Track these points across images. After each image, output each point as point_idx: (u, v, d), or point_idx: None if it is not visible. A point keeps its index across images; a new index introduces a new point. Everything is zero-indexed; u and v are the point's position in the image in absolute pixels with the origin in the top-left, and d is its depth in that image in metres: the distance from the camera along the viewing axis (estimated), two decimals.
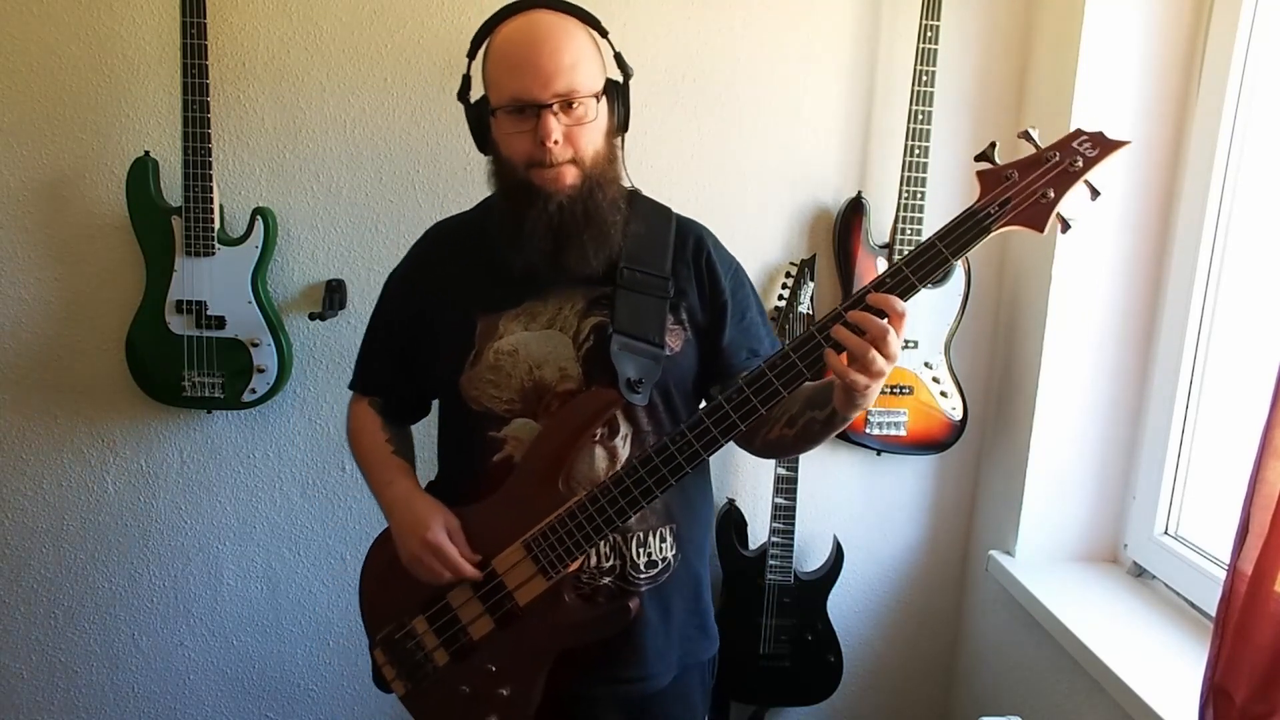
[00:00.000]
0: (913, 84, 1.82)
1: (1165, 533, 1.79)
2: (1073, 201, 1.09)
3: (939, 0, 1.80)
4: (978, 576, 2.11)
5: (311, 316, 1.93)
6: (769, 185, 1.99)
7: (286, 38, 1.90)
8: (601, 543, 1.27)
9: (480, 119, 1.31)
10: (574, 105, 1.23)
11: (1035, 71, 1.94)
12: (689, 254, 1.37)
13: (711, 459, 1.24)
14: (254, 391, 1.91)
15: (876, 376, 1.11)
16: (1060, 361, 1.85)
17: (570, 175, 1.25)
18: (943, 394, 1.97)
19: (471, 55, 1.33)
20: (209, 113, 1.79)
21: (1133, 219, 1.80)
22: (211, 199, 1.82)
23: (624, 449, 1.31)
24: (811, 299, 1.90)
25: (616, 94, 1.31)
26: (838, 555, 2.04)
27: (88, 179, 1.91)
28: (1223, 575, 1.21)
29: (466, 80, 1.35)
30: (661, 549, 1.35)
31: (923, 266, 1.10)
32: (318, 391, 2.03)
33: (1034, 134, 1.10)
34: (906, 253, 1.09)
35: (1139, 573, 1.84)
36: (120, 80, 1.89)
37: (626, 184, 1.36)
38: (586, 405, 1.27)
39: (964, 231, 1.10)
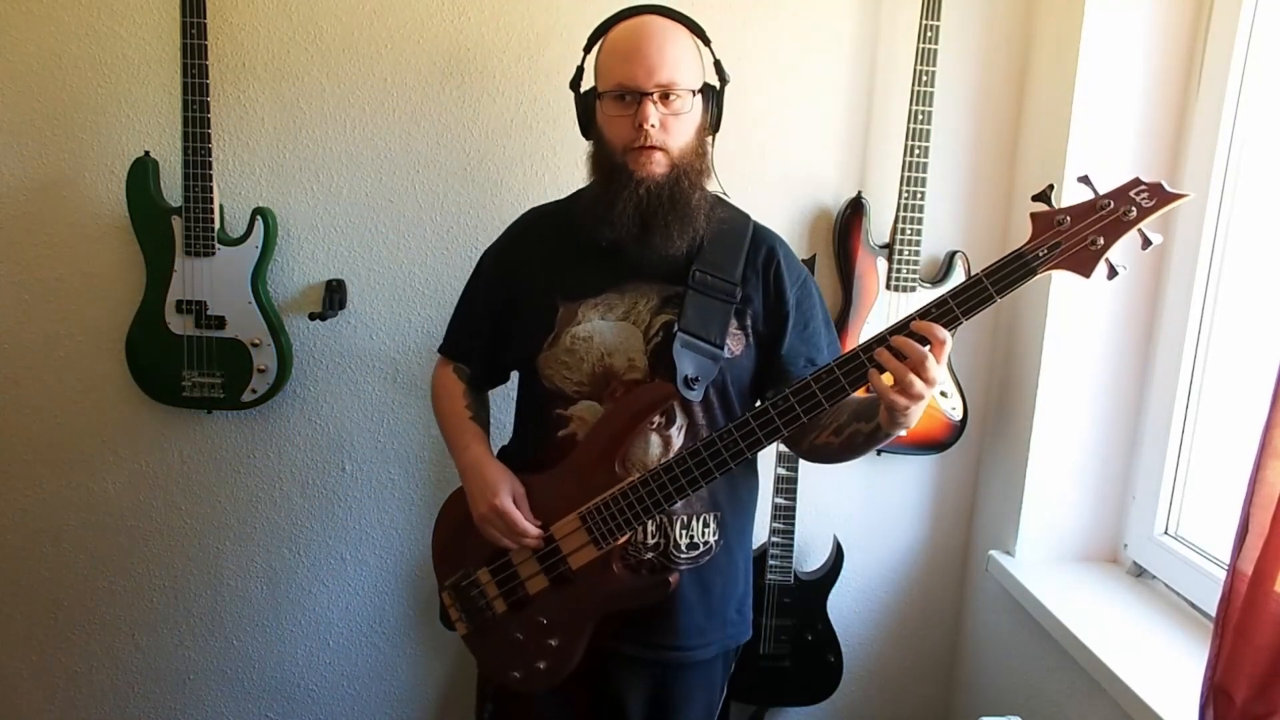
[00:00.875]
0: (913, 84, 1.82)
1: (1165, 533, 1.79)
2: (1123, 249, 1.12)
3: (939, 0, 1.80)
4: (978, 576, 2.11)
5: (311, 316, 1.93)
6: (769, 185, 1.99)
7: (286, 38, 1.90)
8: (649, 521, 1.38)
9: (587, 106, 1.42)
10: (671, 97, 1.33)
11: (1035, 71, 1.94)
12: (760, 263, 1.46)
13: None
14: (254, 391, 1.91)
15: (916, 399, 1.18)
16: (1060, 361, 1.85)
17: (661, 163, 1.35)
18: (943, 394, 1.97)
19: (588, 49, 1.44)
20: (209, 113, 1.79)
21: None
22: (211, 199, 1.82)
23: (678, 438, 1.41)
24: None
25: (712, 96, 1.42)
26: (838, 555, 2.04)
27: (88, 179, 1.91)
28: (1223, 575, 1.21)
29: (580, 71, 1.46)
30: (704, 533, 1.45)
31: (967, 301, 1.15)
32: (318, 391, 2.03)
33: (1093, 180, 1.13)
34: (954, 287, 1.15)
35: (1139, 573, 1.84)
36: (120, 80, 1.89)
37: (715, 187, 1.45)
38: (645, 395, 1.37)
39: (1010, 272, 1.14)
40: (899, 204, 1.87)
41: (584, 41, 1.46)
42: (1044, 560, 1.92)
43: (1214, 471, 1.71)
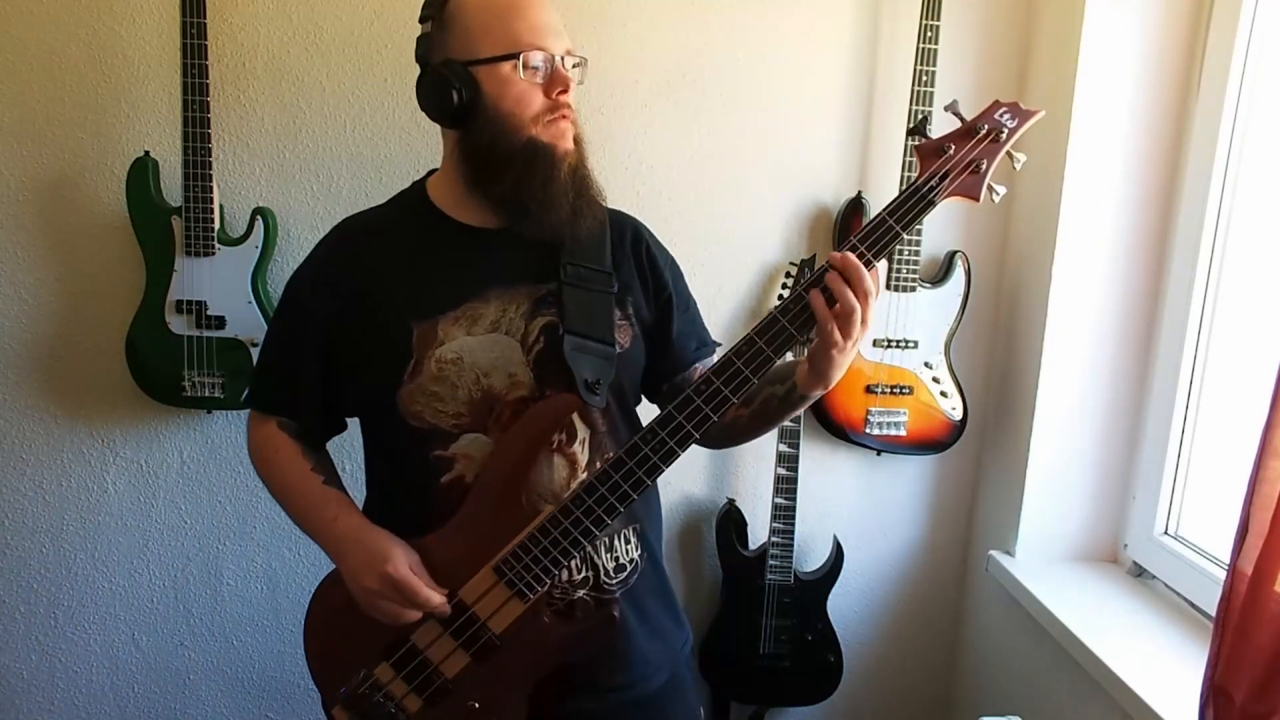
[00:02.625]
0: (913, 84, 1.82)
1: (1165, 533, 1.79)
2: (1000, 171, 1.14)
3: (939, 0, 1.80)
4: (978, 576, 2.11)
5: None
6: (769, 185, 1.99)
7: (286, 38, 1.89)
8: (576, 556, 1.20)
9: (459, 80, 1.17)
10: (572, 66, 1.19)
11: (1035, 71, 1.94)
12: (628, 247, 1.32)
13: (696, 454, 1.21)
14: None
15: (849, 338, 1.10)
16: (1060, 361, 1.85)
17: (570, 134, 1.21)
18: (943, 394, 1.97)
19: (426, 19, 1.23)
20: (209, 113, 1.79)
21: (1133, 219, 1.80)
22: (211, 199, 1.82)
23: (583, 454, 1.24)
24: None
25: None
26: (838, 555, 2.04)
27: (88, 179, 1.91)
28: (1223, 575, 1.21)
29: (426, 40, 1.23)
30: (627, 550, 1.29)
31: (876, 242, 1.11)
32: None
33: (959, 107, 1.14)
34: (861, 228, 1.12)
35: (1139, 573, 1.84)
36: (120, 80, 1.88)
37: None
38: (544, 413, 1.19)
39: (910, 206, 1.11)
40: None
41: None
42: (1044, 560, 1.92)
43: (1214, 471, 1.71)
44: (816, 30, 1.94)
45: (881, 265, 1.91)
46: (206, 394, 1.90)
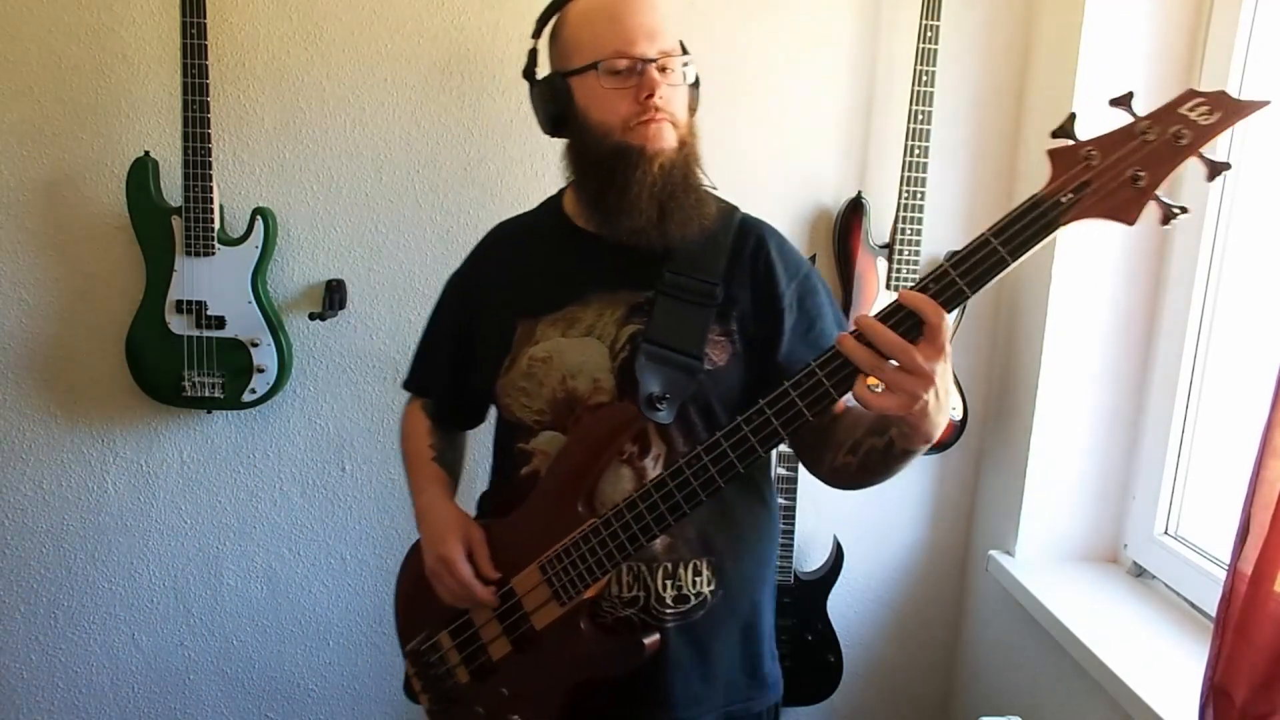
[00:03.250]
0: (913, 84, 1.82)
1: (1165, 533, 1.79)
2: (1182, 183, 0.91)
3: (939, 0, 1.80)
4: (978, 576, 2.11)
5: (311, 316, 1.93)
6: (769, 185, 1.99)
7: (286, 38, 1.89)
8: (624, 571, 1.19)
9: (556, 92, 1.21)
10: (669, 68, 1.17)
11: (1035, 71, 1.94)
12: (747, 255, 1.26)
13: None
14: (254, 391, 1.91)
15: (908, 401, 0.93)
16: (1060, 361, 1.85)
17: (670, 136, 1.17)
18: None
19: (538, 32, 1.27)
20: (209, 113, 1.79)
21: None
22: (211, 199, 1.82)
23: (654, 470, 1.19)
24: None
25: (694, 72, 1.25)
26: (838, 555, 2.04)
27: (88, 179, 1.91)
28: (1223, 575, 1.21)
29: (533, 56, 1.27)
30: (695, 583, 1.22)
31: (975, 268, 0.90)
32: (318, 391, 2.03)
33: (1130, 102, 0.87)
34: (954, 252, 0.90)
35: (1139, 573, 1.84)
36: (120, 80, 1.88)
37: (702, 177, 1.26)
38: (605, 421, 1.18)
39: (1027, 224, 0.89)
40: (899, 204, 1.87)
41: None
42: (1044, 560, 1.92)
43: (1214, 471, 1.71)
44: (816, 31, 1.94)
45: (881, 265, 1.92)
46: (206, 394, 1.90)
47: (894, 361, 0.93)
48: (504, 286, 1.31)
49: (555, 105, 1.22)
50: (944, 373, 0.95)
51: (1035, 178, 1.88)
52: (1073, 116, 0.88)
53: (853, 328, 0.96)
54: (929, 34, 1.81)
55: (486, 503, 1.39)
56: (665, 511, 1.10)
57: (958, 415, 1.99)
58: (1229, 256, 1.67)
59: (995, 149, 2.00)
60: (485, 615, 1.25)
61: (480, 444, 1.49)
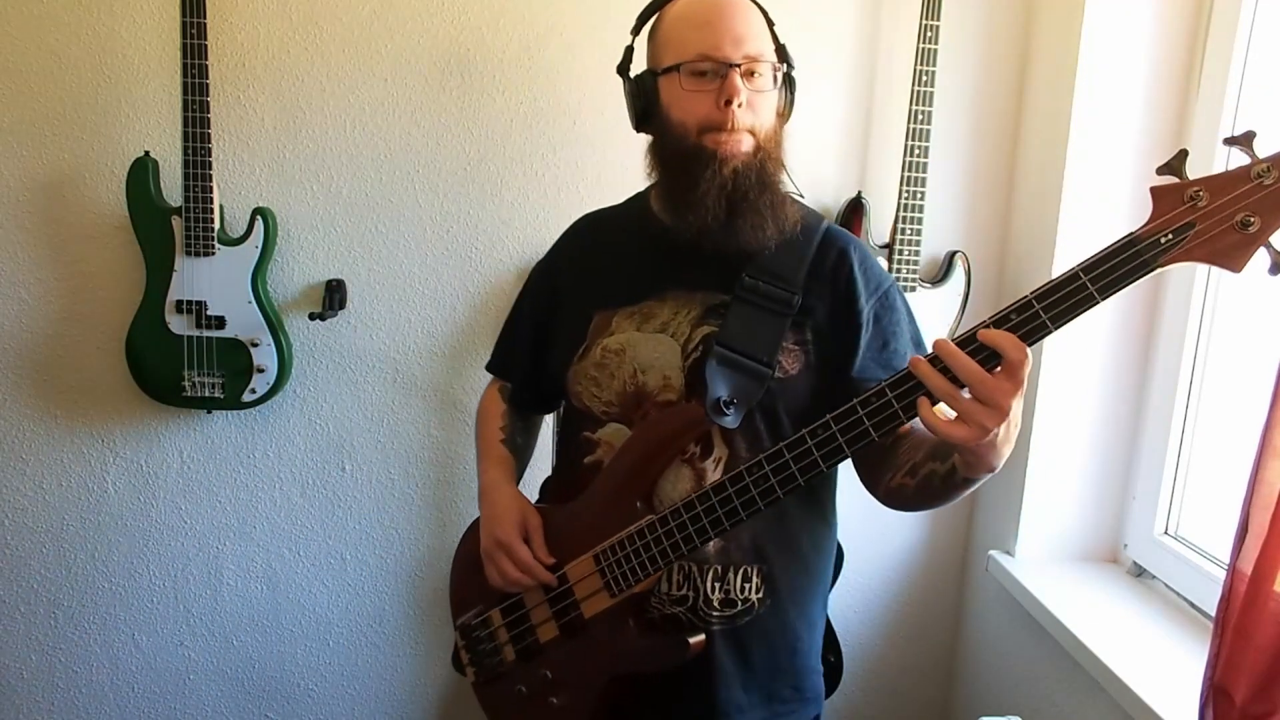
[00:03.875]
0: (913, 84, 1.82)
1: (1165, 533, 1.79)
2: None
3: (939, 0, 1.80)
4: (978, 576, 2.11)
5: (311, 316, 1.93)
6: None
7: (286, 38, 1.90)
8: (675, 569, 1.20)
9: (644, 89, 1.23)
10: (756, 74, 1.17)
11: (1035, 71, 1.94)
12: (828, 268, 1.25)
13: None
14: (254, 391, 1.91)
15: (978, 432, 0.92)
16: (1060, 361, 1.85)
17: (746, 143, 1.17)
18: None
19: (637, 30, 1.29)
20: (209, 113, 1.79)
21: (1133, 218, 1.79)
22: (211, 199, 1.82)
23: (714, 473, 1.20)
24: None
25: (788, 78, 1.25)
26: (838, 555, 2.04)
27: (88, 179, 1.91)
28: (1223, 575, 1.21)
29: (629, 52, 1.30)
30: (744, 589, 1.23)
31: (1060, 304, 0.89)
32: (318, 391, 2.03)
33: (1254, 144, 0.83)
34: (1042, 286, 0.88)
35: (1139, 573, 1.84)
36: (120, 80, 1.89)
37: (788, 183, 1.26)
38: (671, 420, 1.20)
39: (1121, 262, 0.88)
40: (899, 204, 1.87)
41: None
42: (1044, 560, 1.92)
43: (1214, 471, 1.71)
44: (816, 30, 1.94)
45: (881, 264, 1.92)
46: (206, 394, 1.90)
47: (968, 391, 0.93)
48: (585, 276, 1.34)
49: (642, 102, 1.24)
50: (1018, 406, 0.94)
51: (1034, 178, 1.87)
52: (1183, 154, 0.86)
53: (930, 351, 0.95)
54: (929, 34, 1.81)
55: (549, 488, 1.44)
56: (722, 516, 1.12)
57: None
58: None
59: (995, 149, 2.00)
60: (537, 598, 1.27)
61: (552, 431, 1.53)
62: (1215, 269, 0.85)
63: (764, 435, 1.22)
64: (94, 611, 2.10)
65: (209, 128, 1.80)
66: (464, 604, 1.39)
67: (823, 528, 1.34)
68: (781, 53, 1.24)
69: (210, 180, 1.81)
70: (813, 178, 1.99)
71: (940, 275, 1.98)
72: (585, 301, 1.30)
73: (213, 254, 1.85)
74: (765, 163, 1.19)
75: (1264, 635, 1.14)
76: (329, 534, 2.10)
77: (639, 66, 1.28)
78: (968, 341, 0.92)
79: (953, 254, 1.97)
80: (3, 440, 2.02)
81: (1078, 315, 0.89)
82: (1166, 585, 1.75)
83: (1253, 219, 0.82)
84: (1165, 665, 1.50)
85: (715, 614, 1.23)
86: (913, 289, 1.92)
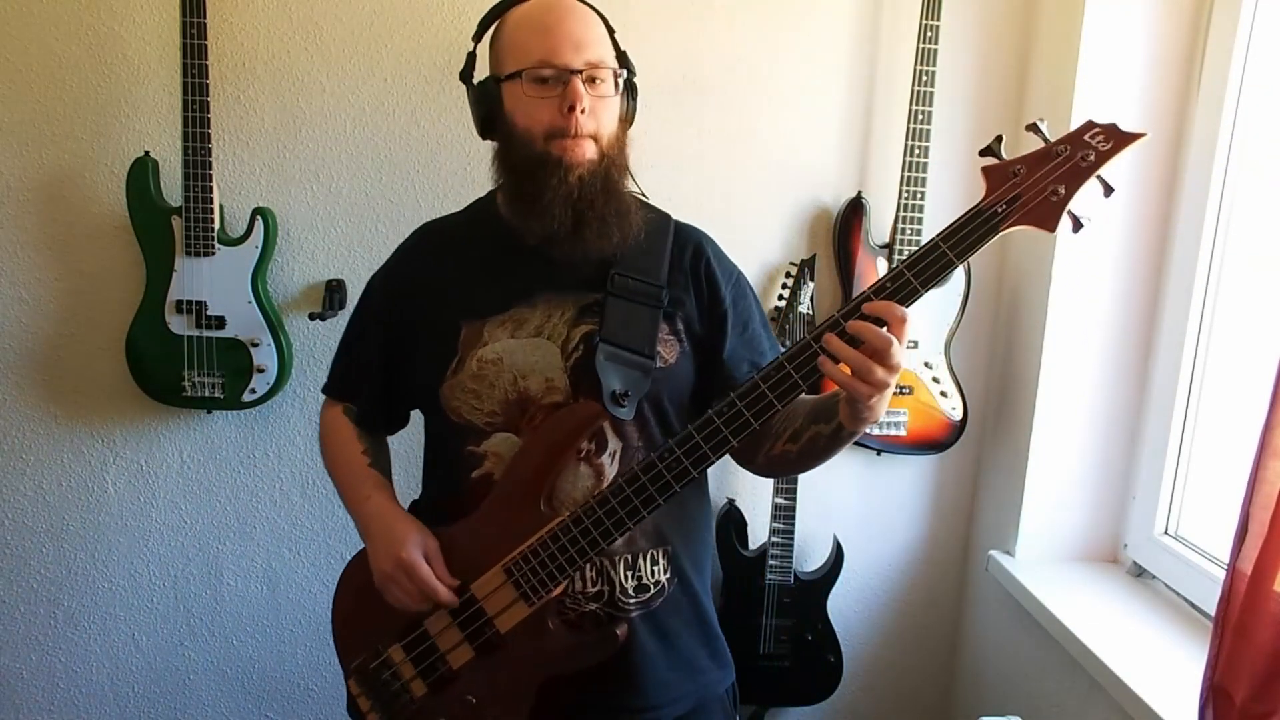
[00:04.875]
0: (913, 84, 1.82)
1: (1165, 533, 1.79)
2: (1085, 199, 1.03)
3: (939, 0, 1.80)
4: (978, 576, 2.11)
5: (311, 316, 1.93)
6: (769, 185, 1.99)
7: (286, 38, 1.90)
8: (588, 567, 1.22)
9: (487, 96, 1.24)
10: (597, 80, 1.19)
11: (1035, 71, 1.94)
12: (687, 262, 1.32)
13: (710, 469, 1.18)
14: (254, 391, 1.91)
15: (879, 387, 1.05)
16: (1060, 361, 1.85)
17: (590, 150, 1.20)
18: (943, 394, 1.97)
19: (478, 37, 1.29)
20: (209, 113, 1.79)
21: (1133, 218, 1.80)
22: (211, 199, 1.82)
23: (611, 466, 1.24)
24: (811, 299, 1.90)
25: (629, 84, 1.28)
26: (838, 555, 2.04)
27: (88, 179, 1.91)
28: (1223, 575, 1.21)
29: (471, 58, 1.31)
30: (654, 572, 1.27)
31: (926, 269, 1.04)
32: (318, 391, 2.01)
33: (1043, 126, 1.04)
34: (907, 255, 1.06)
35: (1139, 573, 1.84)
36: (120, 80, 1.89)
37: (633, 187, 1.30)
38: (568, 419, 1.20)
39: (969, 231, 1.03)
40: (899, 204, 1.87)
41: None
42: (1044, 560, 1.92)
43: (1214, 471, 1.71)
44: (816, 30, 1.94)
45: (881, 265, 1.92)
46: (206, 394, 1.90)
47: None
48: (442, 288, 1.29)
49: (486, 109, 1.25)
50: (907, 362, 1.10)
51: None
52: (999, 139, 1.06)
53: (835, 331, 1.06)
54: (929, 34, 1.81)
55: (420, 510, 1.34)
56: (639, 504, 1.14)
57: (957, 415, 1.99)
58: (1229, 256, 1.67)
59: None
60: (442, 623, 1.23)
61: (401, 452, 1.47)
62: (1033, 230, 1.03)
63: (652, 424, 1.26)
64: (94, 611, 2.10)
65: (209, 128, 1.80)
66: (354, 647, 1.31)
67: (705, 499, 1.41)
68: (622, 59, 1.26)
69: (210, 180, 1.81)
70: (813, 178, 1.99)
71: (943, 279, 1.98)
72: (448, 313, 1.26)
73: (213, 254, 1.85)
74: (610, 169, 1.22)
75: (1264, 635, 1.14)
76: (329, 534, 2.10)
77: (481, 74, 1.28)
78: (854, 313, 1.05)
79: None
80: (3, 440, 2.02)
81: (941, 277, 1.05)
82: (1166, 585, 1.75)
83: (1060, 188, 1.01)
84: (1165, 665, 1.51)
85: (632, 601, 1.25)
86: None
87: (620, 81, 1.23)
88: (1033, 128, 1.05)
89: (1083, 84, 1.76)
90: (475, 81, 1.29)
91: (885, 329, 1.03)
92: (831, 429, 1.18)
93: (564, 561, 1.17)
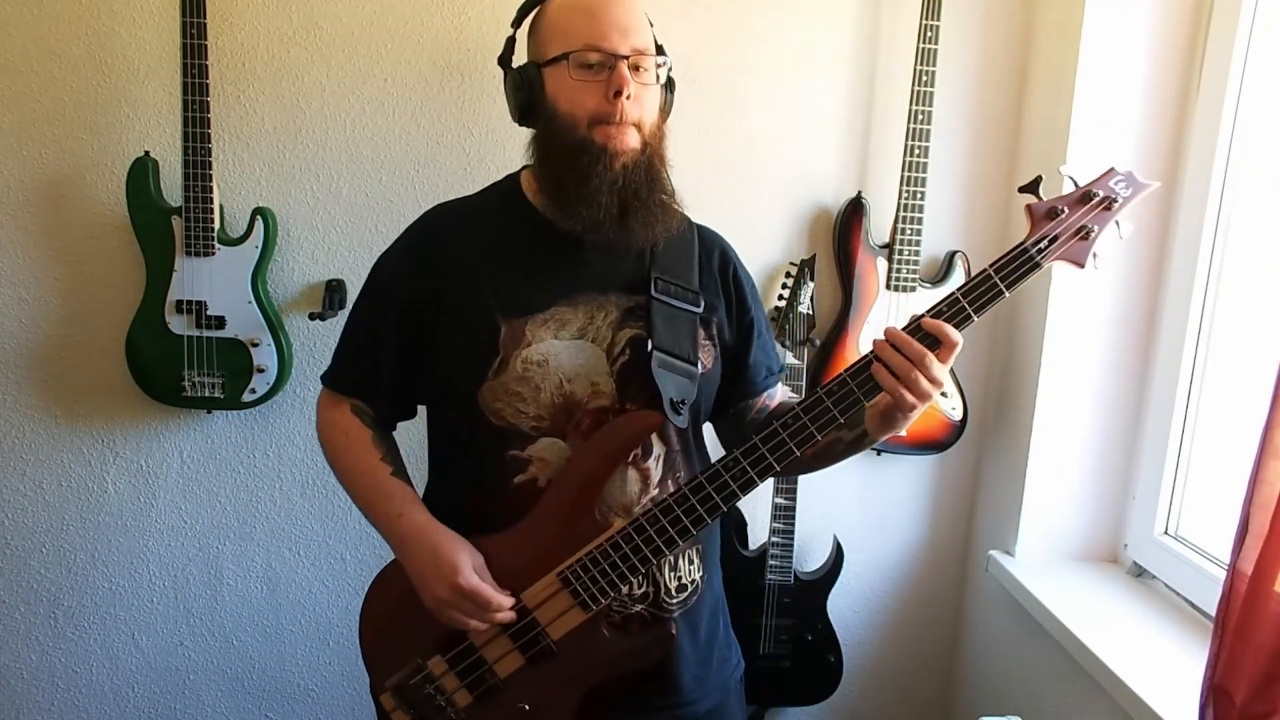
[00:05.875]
0: (913, 84, 1.82)
1: (1165, 533, 1.79)
2: (1104, 240, 1.13)
3: (939, 0, 1.80)
4: (978, 576, 2.11)
5: (311, 316, 1.93)
6: (769, 185, 1.99)
7: (286, 37, 1.90)
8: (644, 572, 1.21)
9: (528, 81, 1.21)
10: (642, 68, 1.17)
11: (1035, 72, 1.94)
12: (715, 268, 1.32)
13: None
14: (254, 391, 1.91)
15: (922, 399, 1.11)
16: (1060, 361, 1.85)
17: (634, 138, 1.17)
18: (943, 394, 1.97)
19: (518, 22, 1.28)
20: (209, 113, 1.79)
21: (1131, 217, 1.80)
22: (211, 199, 1.82)
23: (656, 470, 1.24)
24: (811, 299, 1.90)
25: (669, 75, 1.26)
26: (838, 555, 2.04)
27: (88, 179, 1.91)
28: (1223, 575, 1.21)
29: (511, 43, 1.29)
30: (690, 571, 1.29)
31: (979, 299, 1.11)
32: (318, 391, 2.02)
33: (1073, 175, 1.14)
34: (962, 284, 1.12)
35: (1139, 573, 1.84)
36: (120, 80, 1.88)
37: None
38: (628, 427, 1.19)
39: (1017, 266, 1.11)
40: (899, 204, 1.87)
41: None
42: (1044, 560, 1.92)
43: (1214, 471, 1.71)
44: (817, 30, 1.94)
45: (881, 265, 1.92)
46: (206, 394, 1.90)
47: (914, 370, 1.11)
48: (470, 268, 1.23)
49: (526, 94, 1.22)
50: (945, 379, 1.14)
51: (1034, 177, 1.86)
52: (1039, 179, 1.14)
53: (880, 338, 1.13)
54: (929, 34, 1.81)
55: (443, 512, 1.24)
56: (703, 513, 1.16)
57: (957, 415, 1.99)
58: (1229, 256, 1.67)
59: (995, 149, 2.00)
60: (490, 634, 1.21)
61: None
62: (1067, 265, 1.14)
63: (689, 429, 1.28)
64: (94, 611, 2.10)
65: (209, 128, 1.80)
66: (393, 662, 1.26)
67: None
68: (661, 50, 1.24)
69: (210, 180, 1.81)
70: (813, 178, 1.99)
71: (940, 275, 1.98)
72: (481, 306, 1.20)
73: (213, 254, 1.85)
74: (653, 159, 1.20)
75: (1264, 635, 1.14)
76: (329, 534, 2.10)
77: (520, 60, 1.26)
78: (914, 329, 1.11)
79: (952, 254, 1.97)
80: (3, 440, 2.02)
81: (991, 306, 1.12)
82: (1166, 585, 1.75)
83: (1091, 229, 1.12)
84: (1165, 665, 1.51)
85: (674, 601, 1.27)
86: (913, 289, 1.92)
87: (662, 72, 1.22)
88: (1029, 188, 1.15)
89: (1083, 84, 1.76)
90: (515, 66, 1.26)
91: (937, 348, 1.09)
92: (854, 435, 1.23)
93: (625, 569, 1.17)
